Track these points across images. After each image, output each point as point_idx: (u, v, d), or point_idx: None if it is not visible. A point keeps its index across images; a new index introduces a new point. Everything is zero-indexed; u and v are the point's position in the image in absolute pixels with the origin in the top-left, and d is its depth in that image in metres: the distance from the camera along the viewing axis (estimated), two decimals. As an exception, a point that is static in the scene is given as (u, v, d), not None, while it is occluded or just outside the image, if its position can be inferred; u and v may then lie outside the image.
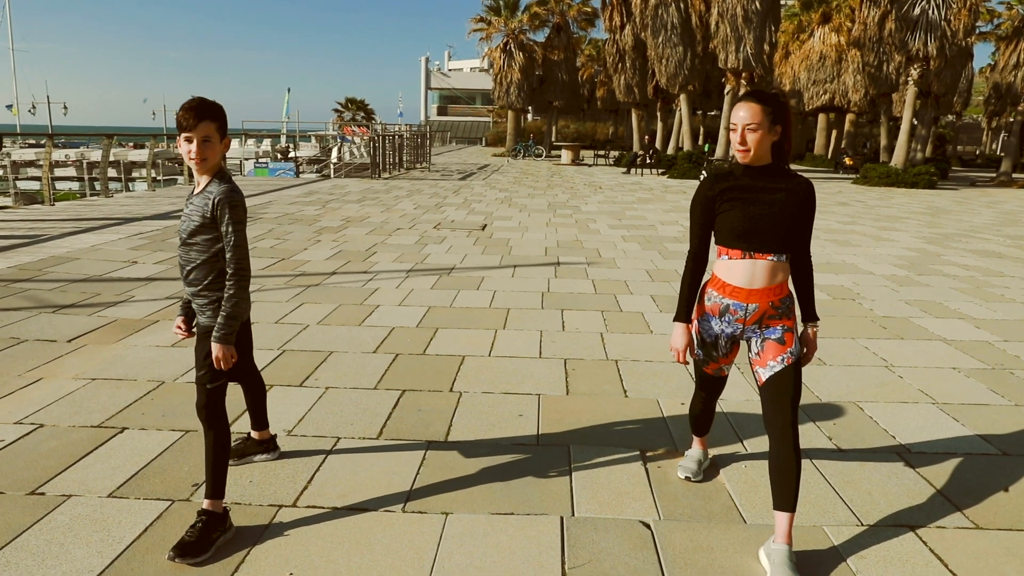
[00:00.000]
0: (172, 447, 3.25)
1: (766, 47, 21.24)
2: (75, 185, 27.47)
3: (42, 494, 2.84)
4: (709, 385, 2.83)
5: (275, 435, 3.24)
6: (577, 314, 5.81)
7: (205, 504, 2.52)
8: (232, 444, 3.08)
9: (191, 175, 11.97)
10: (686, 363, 2.71)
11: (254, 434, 2.57)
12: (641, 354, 4.77)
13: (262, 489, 2.91)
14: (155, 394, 3.91)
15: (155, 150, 26.06)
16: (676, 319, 2.64)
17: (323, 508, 2.78)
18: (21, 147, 30.16)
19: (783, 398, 2.43)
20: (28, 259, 7.35)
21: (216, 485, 2.53)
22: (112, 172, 26.59)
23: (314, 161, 27.27)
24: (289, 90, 50.63)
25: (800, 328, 2.59)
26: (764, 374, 2.50)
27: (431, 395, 3.98)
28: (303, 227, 10.26)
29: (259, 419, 3.11)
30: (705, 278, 2.62)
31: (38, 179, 27.19)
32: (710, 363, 2.71)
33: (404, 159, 24.65)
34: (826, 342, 5.16)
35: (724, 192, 2.47)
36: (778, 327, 2.51)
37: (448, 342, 4.97)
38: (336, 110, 49.13)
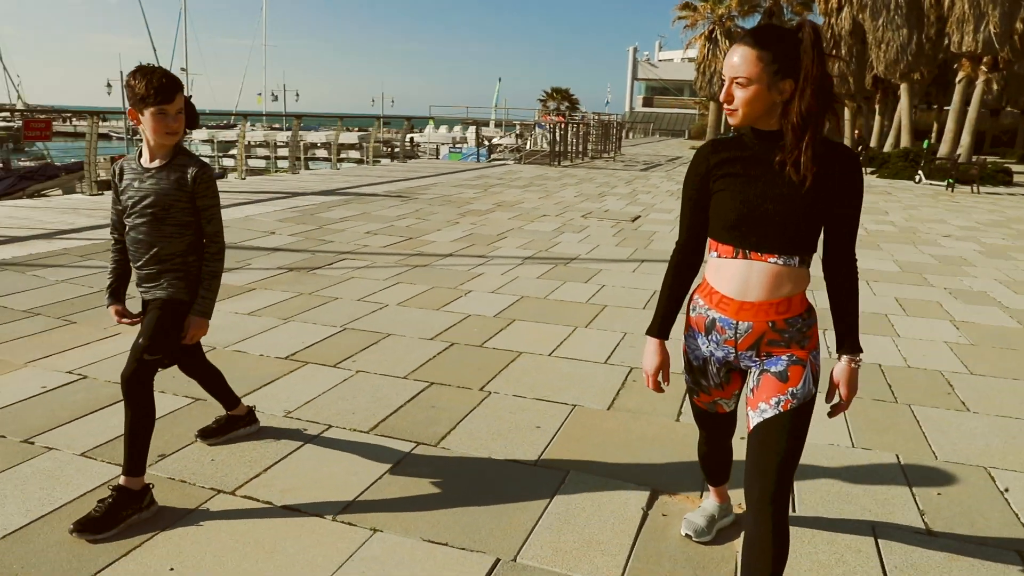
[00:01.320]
0: (175, 412, 3.21)
1: (1018, 25, 17.94)
2: (284, 163, 30.54)
3: (31, 443, 2.91)
4: (706, 422, 2.18)
5: (253, 407, 3.11)
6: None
7: (121, 480, 2.39)
8: (214, 423, 2.98)
9: (337, 156, 12.56)
10: (659, 391, 2.09)
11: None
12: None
13: (215, 470, 2.74)
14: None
15: (360, 133, 28.11)
16: (648, 332, 2.04)
17: (257, 501, 2.54)
18: (264, 129, 34.29)
19: (767, 457, 1.76)
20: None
21: (133, 461, 2.39)
22: (323, 152, 29.19)
23: (514, 149, 27.90)
24: (500, 80, 52.19)
25: (833, 362, 1.89)
26: (752, 419, 1.84)
27: (456, 392, 3.62)
28: (450, 209, 10.31)
29: (226, 399, 2.96)
30: (699, 280, 1.99)
31: (266, 158, 30.51)
32: (700, 393, 2.07)
33: (589, 148, 24.28)
34: (972, 380, 4.04)
35: (721, 164, 1.83)
36: (782, 357, 1.82)
37: (515, 336, 4.56)
38: (541, 99, 49.93)
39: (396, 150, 22.25)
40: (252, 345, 4.20)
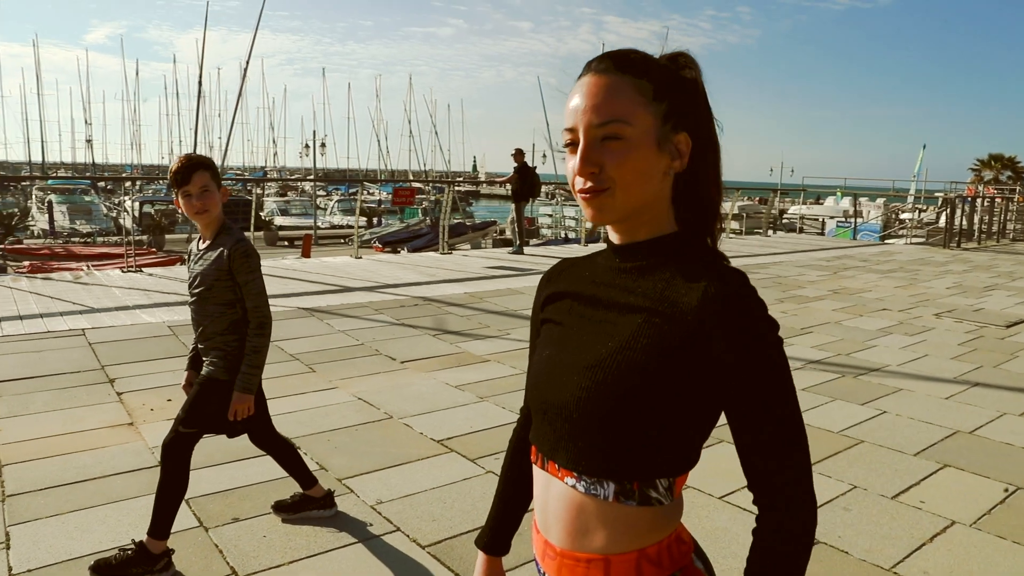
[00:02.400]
0: (281, 479, 3.33)
1: None
2: None
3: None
4: None
5: (332, 491, 3.05)
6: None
7: (144, 537, 2.54)
8: (290, 498, 3.02)
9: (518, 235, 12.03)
10: None
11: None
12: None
13: (253, 548, 2.76)
14: (372, 425, 4.11)
15: (739, 203, 27.35)
16: (476, 540, 1.33)
17: (250, 596, 2.47)
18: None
19: None
20: (496, 287, 8.61)
21: (157, 523, 2.53)
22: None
23: (922, 225, 24.29)
24: (924, 147, 46.03)
25: None
26: None
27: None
28: (771, 293, 9.21)
29: (300, 477, 2.96)
30: None
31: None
32: None
33: (1011, 227, 19.67)
34: None
35: (550, 300, 1.15)
36: None
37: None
38: (973, 168, 42.44)
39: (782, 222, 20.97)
40: (418, 421, 4.23)
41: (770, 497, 0.96)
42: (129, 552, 2.51)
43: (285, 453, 2.94)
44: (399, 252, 16.76)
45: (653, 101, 0.97)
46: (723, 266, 1.00)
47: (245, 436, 2.83)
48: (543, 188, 15.63)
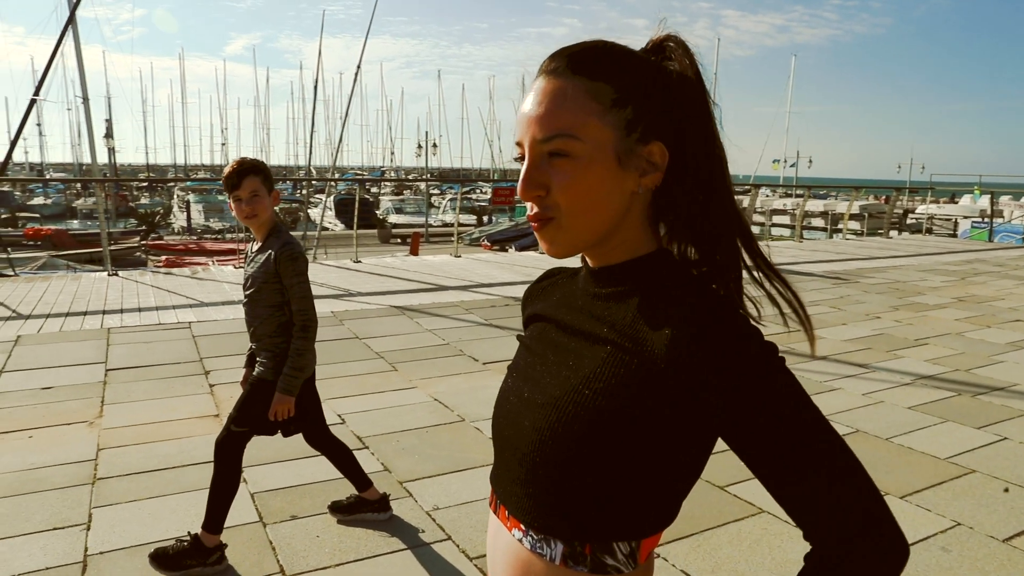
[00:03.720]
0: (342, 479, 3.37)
1: None
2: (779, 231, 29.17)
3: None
4: None
5: (387, 495, 3.05)
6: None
7: (199, 530, 2.62)
8: (346, 500, 3.05)
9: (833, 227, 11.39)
10: None
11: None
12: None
13: (305, 548, 2.80)
14: (443, 427, 4.11)
15: (860, 202, 25.69)
16: None
17: (293, 596, 2.49)
18: (780, 196, 33.89)
19: None
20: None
21: (210, 518, 2.60)
22: (819, 222, 27.41)
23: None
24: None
25: None
26: None
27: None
28: (887, 299, 8.53)
29: (355, 479, 2.98)
30: None
31: (761, 224, 30.21)
32: None
33: None
34: None
35: (530, 321, 1.04)
36: None
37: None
38: None
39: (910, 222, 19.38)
40: (490, 426, 4.18)
41: (818, 536, 0.75)
42: (185, 544, 2.60)
43: (339, 454, 2.96)
44: (507, 251, 16.87)
45: (613, 108, 0.81)
46: (696, 293, 0.82)
47: None
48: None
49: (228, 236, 28.18)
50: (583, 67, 0.82)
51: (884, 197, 28.27)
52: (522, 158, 0.85)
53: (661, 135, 0.83)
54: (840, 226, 28.35)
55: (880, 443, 4.05)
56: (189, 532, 2.66)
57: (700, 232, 0.86)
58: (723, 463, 3.56)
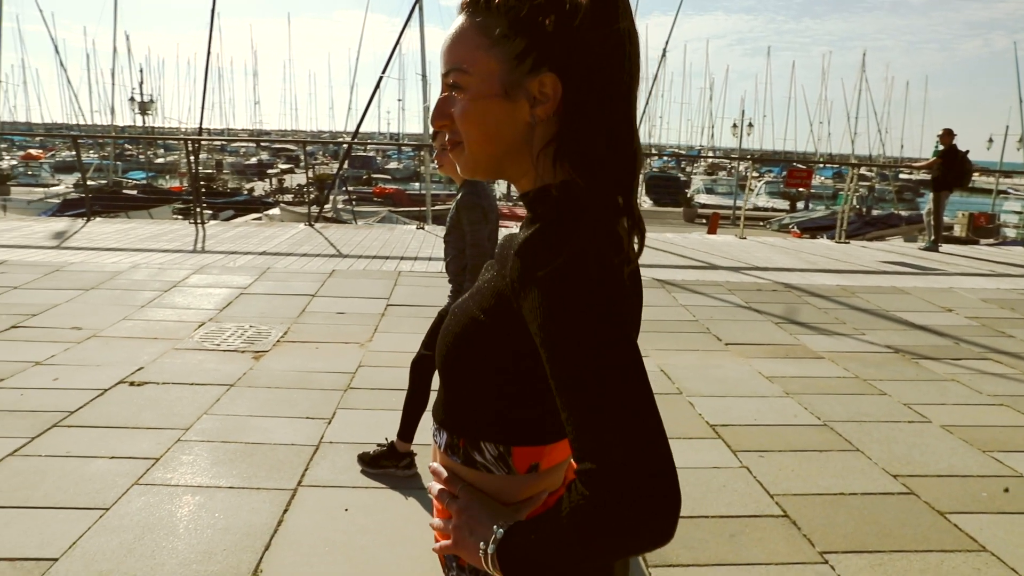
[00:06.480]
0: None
1: None
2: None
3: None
4: None
5: (415, 453, 3.06)
6: None
7: (394, 437, 3.00)
8: (376, 449, 3.08)
9: None
10: None
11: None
12: None
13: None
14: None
15: None
16: None
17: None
18: None
19: None
20: (878, 283, 7.53)
21: (404, 428, 2.97)
22: None
23: None
24: None
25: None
26: None
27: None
28: None
29: (408, 428, 3.00)
30: None
31: None
32: None
33: None
34: None
35: None
36: None
37: None
38: None
39: None
40: (704, 403, 4.02)
41: (577, 455, 0.74)
42: (383, 448, 3.01)
43: (420, 397, 2.96)
44: (818, 238, 15.61)
45: (501, 40, 0.82)
46: (568, 229, 0.79)
47: None
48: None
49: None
50: (477, 3, 0.85)
51: None
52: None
53: (557, 67, 0.81)
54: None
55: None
56: (387, 438, 3.07)
57: (590, 156, 0.82)
58: (951, 488, 3.12)
